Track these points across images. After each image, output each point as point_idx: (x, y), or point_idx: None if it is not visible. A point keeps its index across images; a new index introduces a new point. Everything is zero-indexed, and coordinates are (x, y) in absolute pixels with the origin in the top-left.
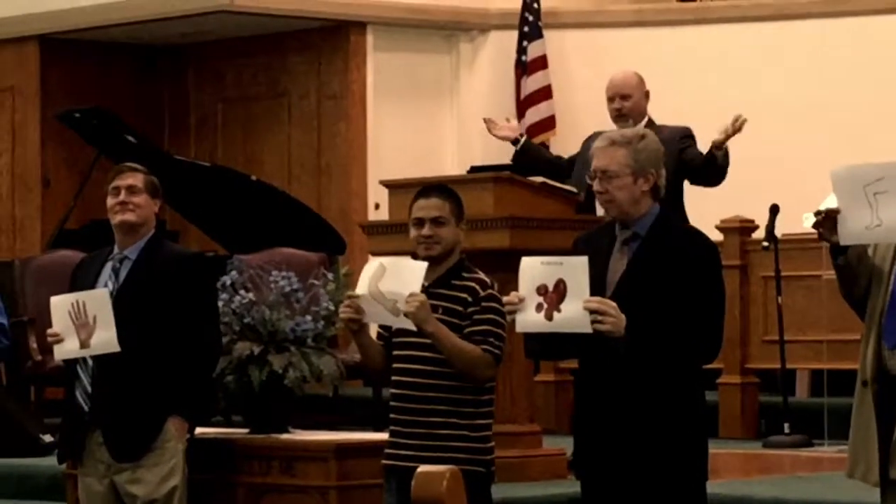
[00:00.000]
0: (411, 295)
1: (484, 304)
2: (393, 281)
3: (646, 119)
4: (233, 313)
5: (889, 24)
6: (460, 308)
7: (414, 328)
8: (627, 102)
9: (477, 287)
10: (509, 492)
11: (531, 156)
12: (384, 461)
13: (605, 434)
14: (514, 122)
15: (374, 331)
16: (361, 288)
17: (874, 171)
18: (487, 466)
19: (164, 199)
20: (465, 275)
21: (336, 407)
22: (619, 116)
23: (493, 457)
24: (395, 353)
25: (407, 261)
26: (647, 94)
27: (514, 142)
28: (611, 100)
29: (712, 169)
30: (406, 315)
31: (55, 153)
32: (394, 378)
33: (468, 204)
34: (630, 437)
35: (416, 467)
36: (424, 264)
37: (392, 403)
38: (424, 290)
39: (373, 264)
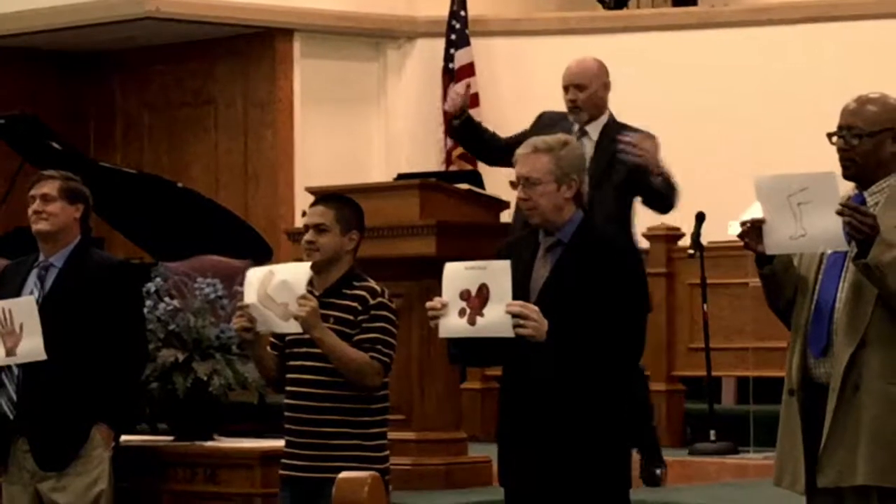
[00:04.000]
0: (302, 297)
1: (373, 311)
2: (281, 285)
3: (606, 115)
4: (157, 320)
5: (811, 33)
6: (350, 317)
7: (302, 332)
8: (582, 94)
9: (367, 295)
10: (435, 499)
11: (471, 130)
12: (280, 471)
13: (528, 441)
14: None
15: None
16: (250, 296)
17: (798, 181)
18: (383, 474)
19: (88, 204)
20: (356, 283)
21: (262, 415)
22: (573, 108)
23: (388, 465)
24: (289, 363)
25: (292, 265)
26: (606, 85)
27: (456, 116)
28: (565, 90)
29: (655, 197)
30: (295, 318)
31: None
32: (287, 388)
33: (394, 211)
34: (553, 443)
35: (310, 477)
36: (307, 265)
37: (286, 413)
38: (316, 299)
39: (261, 270)
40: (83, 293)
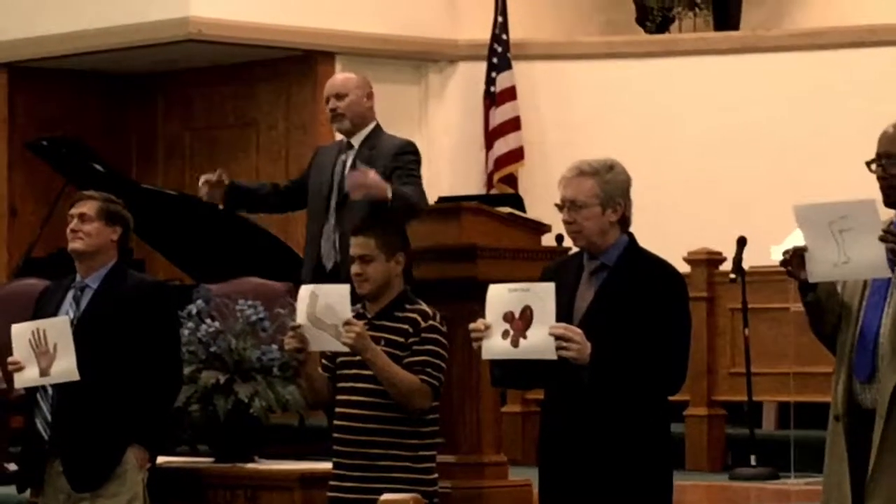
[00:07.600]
0: (347, 324)
1: (424, 334)
2: (326, 308)
3: (373, 124)
4: (199, 342)
5: (854, 57)
6: (401, 339)
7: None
8: (342, 102)
9: (418, 318)
10: None
11: (242, 199)
12: (328, 493)
13: (570, 464)
14: (218, 175)
15: None
16: (301, 317)
17: (838, 208)
18: (430, 497)
19: (128, 227)
20: (408, 306)
21: (302, 437)
22: (334, 116)
23: (436, 488)
24: (339, 384)
25: (332, 286)
26: (369, 95)
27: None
28: (326, 102)
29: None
30: (345, 345)
31: (22, 181)
32: (337, 410)
33: (435, 234)
34: (595, 467)
35: (358, 499)
36: (346, 287)
37: (335, 435)
38: (368, 321)
39: (305, 292)
40: (117, 314)
